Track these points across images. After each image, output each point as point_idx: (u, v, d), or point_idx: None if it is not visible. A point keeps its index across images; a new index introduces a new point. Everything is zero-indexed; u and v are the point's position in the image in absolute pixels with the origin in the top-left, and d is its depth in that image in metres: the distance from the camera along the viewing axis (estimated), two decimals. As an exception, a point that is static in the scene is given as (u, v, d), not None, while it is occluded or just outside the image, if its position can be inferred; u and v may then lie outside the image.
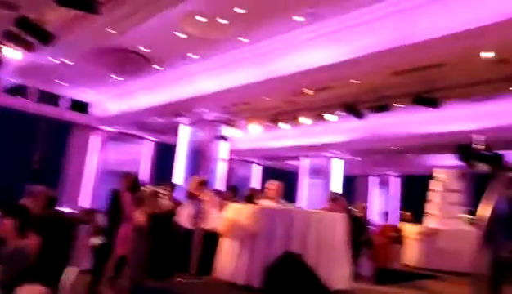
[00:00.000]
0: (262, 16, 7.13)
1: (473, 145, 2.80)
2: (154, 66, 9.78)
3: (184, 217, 5.99)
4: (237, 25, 7.45)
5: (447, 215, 8.27)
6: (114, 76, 10.53)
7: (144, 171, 14.68)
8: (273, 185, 5.85)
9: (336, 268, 5.27)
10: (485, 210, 2.67)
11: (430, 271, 8.25)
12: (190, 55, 9.16)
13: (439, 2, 6.07)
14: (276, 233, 5.11)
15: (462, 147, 2.75)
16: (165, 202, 5.60)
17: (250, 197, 6.37)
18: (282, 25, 7.40)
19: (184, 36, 7.96)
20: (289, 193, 16.59)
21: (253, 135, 13.35)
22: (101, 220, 6.83)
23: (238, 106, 11.28)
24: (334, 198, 6.84)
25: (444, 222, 8.19)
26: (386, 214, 9.49)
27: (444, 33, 6.26)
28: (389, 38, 6.94)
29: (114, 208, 5.40)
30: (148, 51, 8.97)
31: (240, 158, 18.19)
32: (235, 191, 7.26)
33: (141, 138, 15.08)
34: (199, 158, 12.37)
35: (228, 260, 5.45)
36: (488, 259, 2.51)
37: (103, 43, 8.42)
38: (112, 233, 5.29)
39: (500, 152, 9.94)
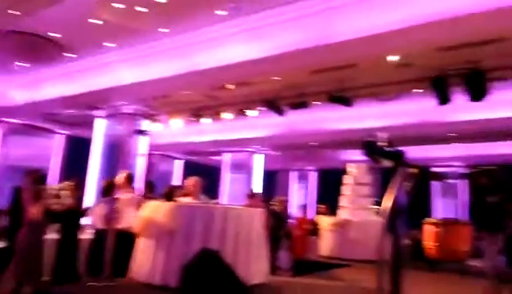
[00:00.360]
0: (184, 8, 6.96)
1: (377, 142, 2.95)
2: (66, 54, 9.07)
3: (96, 217, 5.66)
4: (157, 15, 7.19)
5: (358, 207, 8.85)
6: (18, 63, 9.57)
7: (54, 167, 13.63)
8: (191, 182, 5.77)
9: (254, 262, 5.36)
10: (387, 201, 2.87)
11: (343, 260, 8.78)
12: (106, 43, 8.65)
13: (354, 6, 6.41)
14: (195, 231, 5.05)
15: (367, 143, 2.90)
16: (67, 200, 5.18)
17: (169, 194, 6.20)
18: (204, 19, 7.29)
19: (99, 22, 7.49)
20: (213, 189, 16.61)
21: (174, 129, 13.03)
22: (1, 220, 6.22)
23: (158, 99, 10.93)
24: (251, 193, 6.97)
25: (355, 213, 8.74)
26: (304, 207, 9.90)
27: (356, 36, 6.64)
28: (308, 38, 7.18)
29: (16, 208, 4.91)
30: (59, 36, 8.28)
31: (161, 153, 17.73)
32: (152, 187, 7.01)
33: (51, 131, 13.94)
34: (117, 153, 11.77)
35: (144, 260, 5.27)
36: (390, 246, 2.71)
37: (4, 25, 7.60)
38: (14, 235, 4.80)
39: (404, 148, 10.83)
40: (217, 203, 7.91)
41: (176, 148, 17.01)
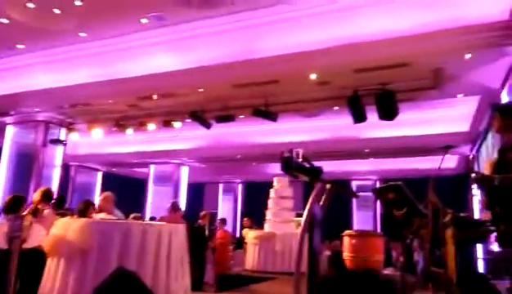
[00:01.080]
0: (105, 13, 6.68)
1: (294, 158, 3.01)
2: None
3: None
4: (76, 19, 6.81)
5: (281, 220, 9.00)
6: None
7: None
8: (103, 197, 5.45)
9: (175, 281, 5.17)
10: (305, 215, 2.94)
11: (268, 273, 8.86)
12: (19, 45, 8.00)
13: (277, 24, 6.61)
14: (111, 249, 4.75)
15: (284, 159, 2.94)
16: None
17: (83, 209, 5.78)
18: (127, 26, 7.07)
19: (6, 21, 6.91)
20: (137, 202, 15.95)
21: (95, 139, 12.32)
22: None
23: (77, 107, 10.28)
24: (174, 207, 6.79)
25: (278, 227, 8.88)
26: (224, 221, 9.89)
27: (279, 53, 6.86)
28: (232, 52, 7.26)
29: None
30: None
31: (79, 164, 16.69)
32: (62, 202, 6.51)
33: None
34: (29, 164, 10.84)
35: (52, 282, 4.83)
36: (307, 258, 2.77)
37: None
38: None
39: (325, 162, 11.27)
40: (138, 218, 7.59)
41: (97, 159, 16.11)
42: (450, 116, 10.23)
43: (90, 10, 6.51)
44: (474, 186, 3.62)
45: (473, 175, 3.51)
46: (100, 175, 18.19)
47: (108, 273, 4.35)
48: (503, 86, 7.46)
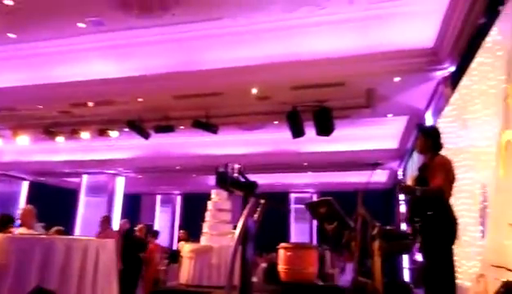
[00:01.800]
0: (39, 15, 6.25)
1: (229, 173, 3.01)
2: None
3: None
4: (4, 18, 6.33)
5: (218, 233, 8.92)
6: None
7: None
8: (23, 210, 5.08)
9: (102, 297, 4.91)
10: (238, 229, 2.94)
11: (202, 287, 8.68)
12: None
13: (219, 38, 6.64)
14: (30, 267, 4.40)
15: (219, 173, 2.92)
16: None
17: (1, 224, 5.33)
18: (62, 29, 6.68)
19: None
20: (67, 214, 15.01)
21: (20, 146, 11.46)
22: None
23: (0, 112, 9.52)
24: (105, 220, 6.49)
25: (215, 240, 8.78)
26: (156, 233, 9.64)
27: (221, 66, 6.89)
28: (173, 63, 7.17)
29: None
30: None
31: (3, 173, 15.42)
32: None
33: None
34: None
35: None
36: (240, 271, 2.76)
37: None
38: None
39: (265, 175, 11.42)
40: (61, 232, 7.13)
41: (22, 167, 14.98)
42: (381, 134, 10.85)
43: (21, 10, 6.08)
44: (401, 196, 3.88)
45: (398, 185, 3.76)
46: (26, 184, 16.93)
47: (25, 292, 4.03)
48: (427, 107, 8.07)
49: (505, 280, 2.86)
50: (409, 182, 3.93)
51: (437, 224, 3.55)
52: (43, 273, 4.43)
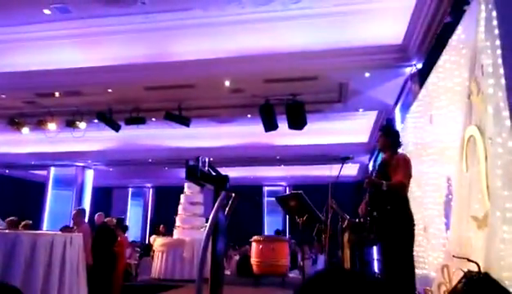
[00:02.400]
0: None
1: (200, 166, 2.97)
2: None
3: None
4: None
5: (190, 226, 8.89)
6: None
7: None
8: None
9: (70, 292, 4.80)
10: (209, 223, 2.90)
11: (175, 281, 8.65)
12: None
13: (191, 29, 6.52)
14: (-8, 262, 4.25)
15: (190, 167, 2.88)
16: None
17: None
18: (26, 16, 6.37)
19: None
20: (34, 207, 14.54)
21: (-18, 137, 11.00)
22: None
23: (-40, 101, 9.08)
24: (80, 214, 6.36)
25: (187, 233, 8.76)
26: (123, 226, 9.47)
27: (193, 58, 6.80)
28: (144, 54, 7.02)
29: None
30: None
31: (-36, 165, 14.78)
32: None
33: None
34: None
35: None
36: (210, 264, 2.74)
37: None
38: None
39: (239, 168, 11.40)
40: (29, 226, 6.92)
41: (-15, 159, 14.39)
42: (352, 128, 11.04)
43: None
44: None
45: (365, 179, 3.87)
46: (-11, 177, 16.30)
47: (-12, 289, 3.90)
48: (396, 103, 8.26)
49: (466, 270, 2.98)
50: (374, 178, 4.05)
51: (395, 218, 3.72)
52: (8, 268, 4.30)
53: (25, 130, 9.89)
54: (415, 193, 4.86)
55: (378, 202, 3.84)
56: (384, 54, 6.72)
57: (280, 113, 8.19)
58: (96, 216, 8.67)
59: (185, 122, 8.84)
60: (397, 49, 6.66)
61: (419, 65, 6.60)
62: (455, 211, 3.97)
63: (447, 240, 4.35)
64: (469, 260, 3.12)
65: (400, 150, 4.16)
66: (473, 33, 3.63)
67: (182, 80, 7.70)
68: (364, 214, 4.11)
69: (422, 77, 6.24)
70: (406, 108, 7.39)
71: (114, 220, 8.64)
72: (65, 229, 7.31)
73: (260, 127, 8.59)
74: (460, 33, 4.23)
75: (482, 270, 2.88)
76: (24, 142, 12.21)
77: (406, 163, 3.95)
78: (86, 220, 7.69)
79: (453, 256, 3.48)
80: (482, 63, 3.35)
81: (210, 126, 10.67)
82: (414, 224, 3.85)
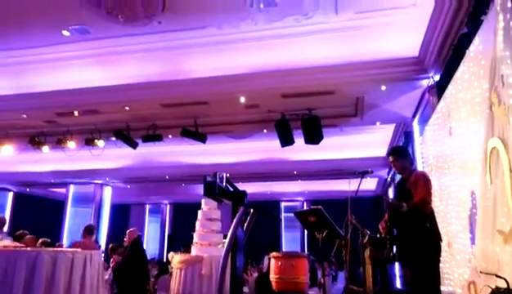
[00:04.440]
0: (21, 22, 6.15)
1: (218, 181, 2.97)
2: None
3: None
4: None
5: (208, 242, 8.83)
6: None
7: None
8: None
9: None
10: (228, 239, 2.89)
11: (192, 298, 8.57)
12: None
13: (206, 47, 6.61)
14: (17, 279, 4.30)
15: (208, 183, 2.88)
16: None
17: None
18: (46, 37, 6.57)
19: None
20: (54, 225, 14.73)
21: (5, 157, 11.24)
22: None
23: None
24: (87, 231, 6.37)
25: (205, 250, 8.69)
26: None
27: (208, 75, 6.87)
28: (160, 71, 7.13)
29: None
30: None
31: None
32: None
33: None
34: None
35: None
36: (230, 281, 2.73)
37: None
38: None
39: (255, 183, 11.35)
40: (47, 243, 6.98)
41: (7, 178, 14.71)
42: (369, 142, 10.91)
43: (4, 17, 5.99)
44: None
45: (385, 201, 3.85)
46: (11, 195, 16.62)
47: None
48: (414, 116, 8.15)
49: (494, 287, 2.86)
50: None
51: (416, 235, 3.67)
52: (29, 285, 4.34)
53: (45, 148, 10.08)
54: (438, 207, 4.74)
55: (397, 220, 3.80)
56: (400, 67, 6.66)
57: (296, 128, 8.17)
58: (130, 231, 8.48)
59: (201, 138, 8.89)
60: (413, 61, 6.59)
61: (437, 77, 6.51)
62: (480, 225, 3.85)
63: (473, 255, 4.21)
64: (497, 276, 3.00)
65: (421, 164, 4.13)
66: (492, 43, 3.58)
67: (198, 97, 7.78)
68: (384, 231, 4.05)
69: (440, 89, 6.15)
70: (424, 120, 7.28)
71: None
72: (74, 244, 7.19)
73: (276, 143, 8.58)
74: (477, 44, 4.17)
75: (512, 287, 2.77)
76: (44, 161, 12.45)
77: (425, 180, 3.93)
78: (94, 236, 7.46)
79: (480, 272, 3.36)
80: (502, 73, 3.29)
81: (226, 142, 10.70)
82: (439, 241, 3.77)
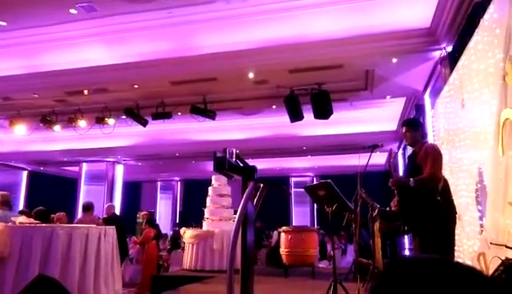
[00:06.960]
0: (29, 2, 6.14)
1: (228, 157, 2.99)
2: None
3: None
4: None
5: (219, 218, 8.97)
6: None
7: None
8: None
9: (105, 285, 4.95)
10: (238, 214, 2.94)
11: (205, 272, 8.78)
12: None
13: (214, 22, 6.53)
14: (32, 255, 4.44)
15: (217, 159, 2.90)
16: None
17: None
18: (54, 16, 6.55)
19: None
20: (68, 202, 15.05)
21: (18, 136, 11.42)
22: None
23: (-4, 102, 9.46)
24: (85, 207, 6.58)
25: (216, 225, 8.84)
26: (150, 219, 9.74)
27: (216, 51, 6.80)
28: (168, 48, 7.08)
29: None
30: None
31: (2, 163, 15.43)
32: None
33: None
34: None
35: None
36: (241, 255, 2.78)
37: None
38: None
39: (265, 159, 11.39)
40: (62, 219, 7.15)
41: (21, 157, 14.98)
42: (380, 116, 10.81)
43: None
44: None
45: (390, 180, 3.85)
46: (25, 174, 16.96)
47: (28, 281, 4.07)
48: (425, 88, 8.02)
49: (504, 258, 2.88)
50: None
51: (426, 209, 3.67)
52: (45, 261, 4.48)
53: (57, 127, 10.20)
54: (449, 180, 4.73)
55: (408, 195, 3.80)
56: (412, 38, 6.51)
57: (305, 103, 8.11)
58: (106, 206, 9.06)
59: (210, 115, 8.90)
60: (425, 32, 6.44)
61: (449, 48, 6.36)
62: (491, 197, 3.84)
63: (483, 227, 4.21)
64: (507, 247, 3.01)
65: (432, 137, 4.09)
66: (507, 11, 3.47)
67: (206, 73, 7.73)
68: (397, 208, 4.07)
69: (452, 60, 6.02)
70: (435, 93, 7.17)
71: (145, 214, 8.86)
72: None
73: (285, 118, 8.54)
74: (492, 12, 4.04)
75: (522, 258, 2.78)
76: (56, 139, 12.63)
77: (435, 153, 3.87)
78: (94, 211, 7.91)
79: (490, 244, 3.37)
80: (518, 42, 3.20)
81: (235, 118, 10.70)
82: (452, 213, 3.78)
